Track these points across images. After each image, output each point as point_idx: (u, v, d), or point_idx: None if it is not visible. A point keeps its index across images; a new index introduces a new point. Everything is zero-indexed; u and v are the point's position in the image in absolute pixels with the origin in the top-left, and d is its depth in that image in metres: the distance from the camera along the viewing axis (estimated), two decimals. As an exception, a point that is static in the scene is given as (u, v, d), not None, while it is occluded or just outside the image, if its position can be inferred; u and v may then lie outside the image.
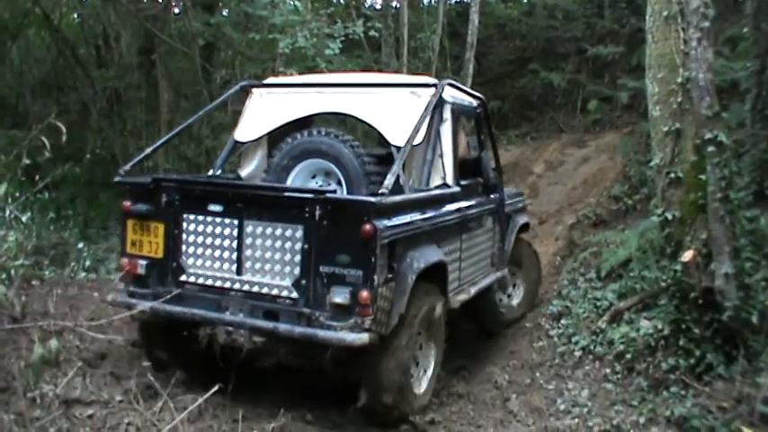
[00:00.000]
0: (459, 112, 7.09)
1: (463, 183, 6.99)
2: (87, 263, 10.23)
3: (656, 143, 6.72)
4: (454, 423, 6.09)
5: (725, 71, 10.70)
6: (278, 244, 5.54)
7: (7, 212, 8.34)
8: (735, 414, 5.44)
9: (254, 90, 7.50)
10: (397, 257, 5.52)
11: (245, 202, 5.69)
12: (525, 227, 8.89)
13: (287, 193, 5.68)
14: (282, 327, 5.42)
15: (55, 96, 16.25)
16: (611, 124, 15.90)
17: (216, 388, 5.18)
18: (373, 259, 5.21)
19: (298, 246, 5.46)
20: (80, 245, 10.71)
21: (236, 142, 7.31)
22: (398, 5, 16.19)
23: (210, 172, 7.32)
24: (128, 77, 14.86)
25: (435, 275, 6.12)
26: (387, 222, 5.35)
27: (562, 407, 6.34)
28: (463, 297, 6.84)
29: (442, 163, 6.62)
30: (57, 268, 9.66)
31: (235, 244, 5.71)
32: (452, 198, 6.69)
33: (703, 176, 5.98)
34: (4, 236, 7.69)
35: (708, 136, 5.82)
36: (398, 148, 6.18)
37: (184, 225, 5.90)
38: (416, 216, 5.86)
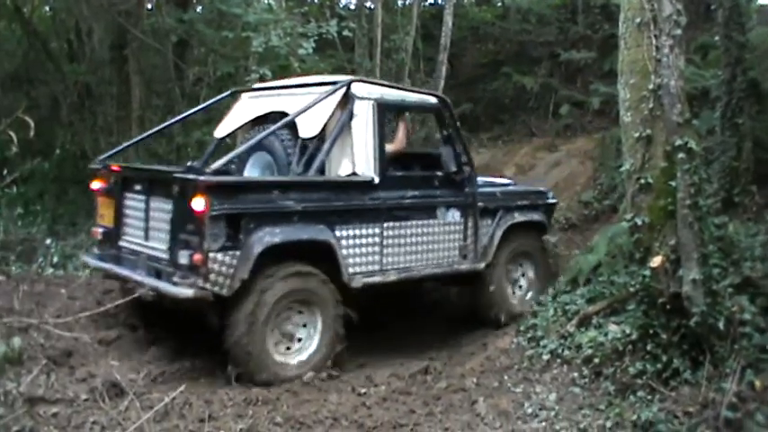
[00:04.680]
0: (387, 107, 7.89)
1: (394, 174, 7.85)
2: (55, 259, 10.16)
3: (627, 149, 6.74)
4: (421, 426, 6.08)
5: (696, 79, 10.82)
6: (161, 215, 6.88)
7: (-27, 207, 8.25)
8: (700, 419, 5.47)
9: (243, 95, 8.91)
10: (244, 230, 6.57)
11: (149, 183, 7.12)
12: (537, 226, 9.27)
13: (160, 174, 7.28)
14: (150, 282, 6.74)
15: (25, 90, 16.02)
16: (583, 129, 15.88)
17: (182, 388, 5.19)
18: (204, 228, 6.32)
19: (169, 217, 6.74)
20: (48, 241, 10.63)
21: (217, 139, 8.86)
22: (372, 6, 16.18)
23: (189, 162, 8.90)
24: (99, 72, 14.70)
25: (322, 253, 7.12)
26: (223, 198, 6.43)
27: (529, 410, 6.33)
28: (376, 280, 7.62)
29: (353, 154, 7.48)
30: (23, 264, 9.58)
31: (143, 215, 7.14)
32: (359, 186, 7.47)
33: (673, 183, 6.01)
34: (-30, 231, 7.62)
35: (678, 143, 5.86)
36: (305, 140, 7.47)
37: (124, 201, 7.47)
38: (280, 198, 6.83)
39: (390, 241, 7.71)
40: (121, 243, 7.46)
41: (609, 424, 5.84)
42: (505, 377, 7.09)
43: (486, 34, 19.81)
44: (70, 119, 14.92)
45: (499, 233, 8.75)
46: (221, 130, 8.70)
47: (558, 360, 7.15)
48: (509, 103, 17.65)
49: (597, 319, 7.37)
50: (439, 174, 8.26)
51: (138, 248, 7.20)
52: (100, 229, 7.71)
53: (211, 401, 6.06)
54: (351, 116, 7.52)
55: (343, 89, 7.52)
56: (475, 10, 21.14)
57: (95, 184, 7.75)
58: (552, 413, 6.22)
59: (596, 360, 6.69)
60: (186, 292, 6.34)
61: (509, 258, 8.99)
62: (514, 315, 8.71)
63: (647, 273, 6.19)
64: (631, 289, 6.54)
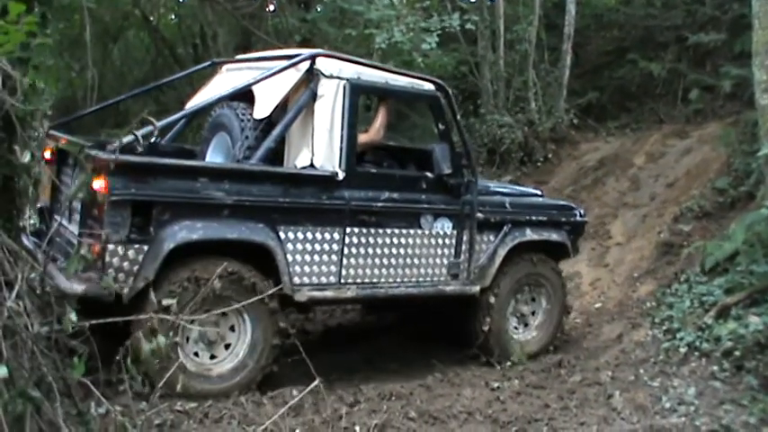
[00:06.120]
0: (363, 90, 6.91)
1: (366, 170, 6.89)
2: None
3: (765, 132, 6.54)
4: (556, 420, 6.01)
5: (836, 57, 10.35)
6: (79, 196, 5.63)
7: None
8: None
9: (223, 67, 7.89)
10: (155, 221, 5.57)
11: (77, 157, 5.83)
12: (556, 249, 7.99)
13: (81, 148, 5.70)
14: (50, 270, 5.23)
15: (154, 95, 16.52)
16: (714, 114, 15.41)
17: (316, 382, 5.27)
18: (103, 215, 5.37)
19: (83, 197, 5.56)
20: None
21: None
22: (494, -3, 16.10)
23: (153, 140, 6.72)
24: (227, 75, 15.05)
25: (259, 257, 6.02)
26: (129, 181, 5.45)
27: (668, 405, 6.21)
28: (329, 295, 6.48)
29: (312, 142, 6.41)
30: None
31: (69, 193, 6.13)
32: (315, 181, 6.37)
33: (816, 167, 5.79)
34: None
35: (820, 124, 5.64)
36: (259, 120, 6.49)
37: (60, 175, 6.57)
38: (207, 187, 5.78)
39: (353, 250, 6.54)
40: (53, 223, 6.30)
41: (753, 420, 5.69)
42: (641, 370, 6.98)
43: (611, 21, 19.43)
44: (198, 121, 15.31)
45: (502, 252, 7.42)
46: (193, 105, 7.25)
47: (696, 353, 7.01)
48: (636, 90, 17.29)
49: (736, 310, 7.20)
50: (428, 175, 7.04)
51: (63, 230, 6.20)
52: (39, 204, 6.79)
53: (345, 397, 6.14)
54: (314, 97, 6.44)
55: (306, 64, 6.45)
56: (598, -4, 20.81)
57: (46, 154, 6.73)
58: (692, 408, 6.10)
59: (737, 353, 6.53)
60: (76, 288, 5.30)
61: (515, 285, 7.69)
62: (513, 357, 7.54)
63: (791, 261, 5.99)
64: (773, 279, 6.33)
